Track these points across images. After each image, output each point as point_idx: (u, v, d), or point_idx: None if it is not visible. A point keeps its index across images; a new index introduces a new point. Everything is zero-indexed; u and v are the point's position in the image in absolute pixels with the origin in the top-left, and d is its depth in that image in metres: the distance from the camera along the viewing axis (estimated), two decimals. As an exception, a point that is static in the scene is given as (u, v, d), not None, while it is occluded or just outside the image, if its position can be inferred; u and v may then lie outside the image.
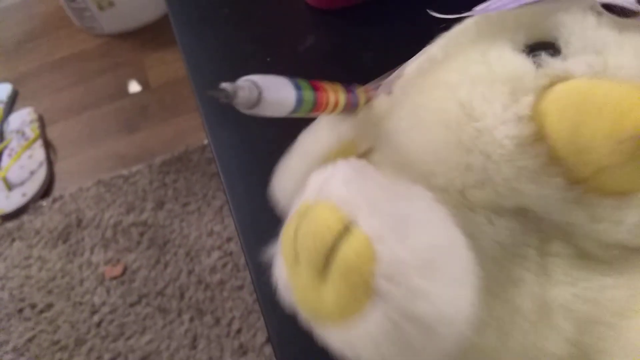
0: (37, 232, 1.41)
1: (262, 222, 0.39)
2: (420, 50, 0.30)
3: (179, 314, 1.22)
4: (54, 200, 1.45)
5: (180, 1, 0.56)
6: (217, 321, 1.19)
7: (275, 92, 0.22)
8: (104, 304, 1.27)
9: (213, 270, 1.27)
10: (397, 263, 0.19)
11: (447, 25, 0.29)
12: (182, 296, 1.24)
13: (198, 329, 1.19)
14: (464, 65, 0.26)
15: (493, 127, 0.22)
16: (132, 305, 1.25)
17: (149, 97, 1.64)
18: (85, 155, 1.55)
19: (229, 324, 1.18)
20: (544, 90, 0.22)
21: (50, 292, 1.31)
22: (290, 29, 0.51)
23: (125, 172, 1.46)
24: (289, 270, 0.23)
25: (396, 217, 0.20)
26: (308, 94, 0.24)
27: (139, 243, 1.34)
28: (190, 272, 1.27)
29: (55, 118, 1.65)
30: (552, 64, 0.23)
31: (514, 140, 0.22)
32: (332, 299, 0.20)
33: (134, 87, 1.67)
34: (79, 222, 1.40)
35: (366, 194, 0.21)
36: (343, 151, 0.29)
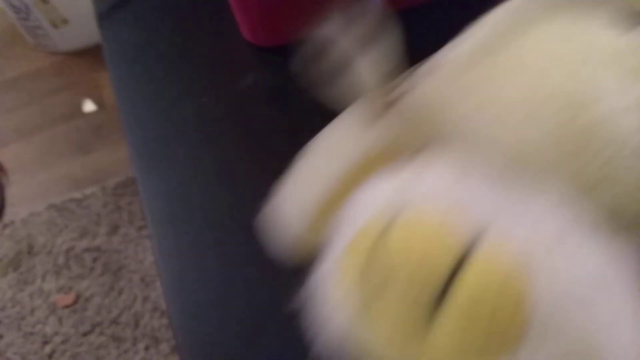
0: (-13, 260, 1.35)
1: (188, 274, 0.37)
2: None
3: (134, 343, 1.18)
4: (5, 226, 1.39)
5: (113, 34, 0.54)
6: (173, 350, 1.16)
7: None
8: (56, 334, 1.22)
9: (169, 296, 1.23)
10: (560, 296, 0.14)
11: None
12: (137, 324, 1.20)
13: (154, 357, 1.15)
14: (544, 44, 0.21)
15: (619, 114, 0.18)
16: (85, 334, 1.21)
17: (103, 116, 1.59)
18: (36, 179, 1.50)
19: (185, 353, 1.15)
20: None
21: (-1, 322, 1.26)
22: (228, 67, 0.49)
23: (78, 195, 1.42)
24: (363, 306, 0.17)
25: (544, 229, 0.15)
26: None
27: (92, 269, 1.29)
28: (145, 299, 1.23)
29: (6, 140, 1.59)
30: None
31: None
32: (450, 345, 0.15)
33: (89, 106, 1.62)
34: (30, 248, 1.35)
35: (487, 194, 0.16)
36: (375, 162, 0.23)
